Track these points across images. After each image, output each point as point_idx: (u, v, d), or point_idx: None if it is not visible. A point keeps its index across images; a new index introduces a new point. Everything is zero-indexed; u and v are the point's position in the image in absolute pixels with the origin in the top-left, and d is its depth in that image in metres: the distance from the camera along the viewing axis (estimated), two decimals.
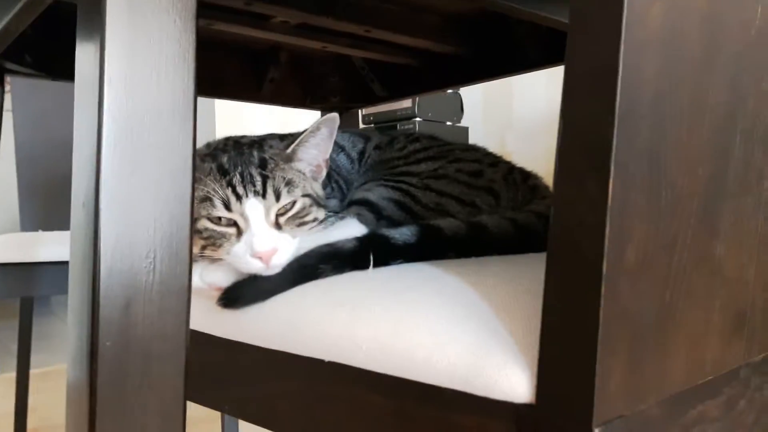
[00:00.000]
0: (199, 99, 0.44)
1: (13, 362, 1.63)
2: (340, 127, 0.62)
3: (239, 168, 0.56)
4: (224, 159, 0.57)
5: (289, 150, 0.60)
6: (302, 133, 0.60)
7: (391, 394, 0.42)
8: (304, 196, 0.58)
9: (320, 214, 0.59)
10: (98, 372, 0.35)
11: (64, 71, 0.89)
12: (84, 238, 0.38)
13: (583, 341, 0.32)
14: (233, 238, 0.54)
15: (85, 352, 0.36)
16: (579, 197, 0.33)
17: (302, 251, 0.54)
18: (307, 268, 0.53)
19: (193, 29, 0.40)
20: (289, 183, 0.57)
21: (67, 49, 0.43)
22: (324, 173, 0.63)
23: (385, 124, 2.79)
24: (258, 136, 0.67)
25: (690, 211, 0.37)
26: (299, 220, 0.57)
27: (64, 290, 1.34)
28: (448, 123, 2.84)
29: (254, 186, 0.55)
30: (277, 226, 0.56)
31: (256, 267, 0.52)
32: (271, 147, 0.60)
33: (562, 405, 0.34)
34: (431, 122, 2.75)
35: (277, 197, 0.56)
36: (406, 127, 2.71)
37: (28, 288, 1.35)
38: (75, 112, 0.41)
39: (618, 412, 0.34)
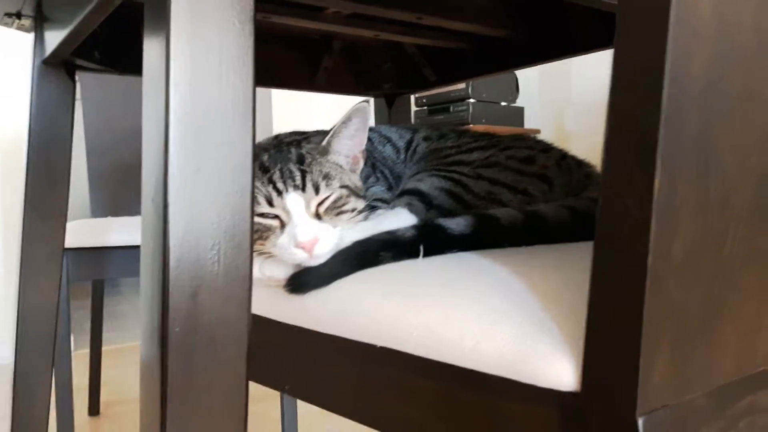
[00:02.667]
0: (257, 89, 0.46)
1: (87, 340, 1.73)
2: (387, 120, 0.64)
3: (279, 165, 0.59)
4: (265, 157, 0.60)
5: (324, 143, 0.62)
6: (335, 126, 0.62)
7: (440, 379, 0.44)
8: (342, 187, 0.60)
9: (359, 204, 0.61)
10: (168, 356, 0.38)
11: (131, 67, 0.94)
12: (154, 232, 0.40)
13: (627, 334, 0.33)
14: (277, 230, 0.57)
15: (156, 338, 0.39)
16: (626, 191, 0.33)
17: (347, 242, 0.56)
18: (369, 255, 0.55)
19: (251, 31, 0.42)
20: (326, 176, 0.59)
21: (133, 45, 0.46)
22: (361, 164, 0.65)
23: (439, 106, 2.79)
24: (302, 133, 0.69)
25: (742, 203, 0.37)
26: (338, 210, 0.59)
27: (132, 273, 1.41)
28: (503, 103, 2.81)
29: (294, 181, 0.58)
30: (318, 217, 0.58)
31: (300, 257, 0.55)
32: (309, 142, 0.63)
33: (606, 394, 0.35)
34: (485, 103, 2.73)
35: (316, 190, 0.58)
36: (460, 108, 2.70)
37: (99, 271, 1.42)
38: (143, 112, 0.44)
39: (662, 402, 0.35)
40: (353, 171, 0.64)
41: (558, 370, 0.37)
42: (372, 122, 1.26)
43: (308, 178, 0.58)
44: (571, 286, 0.43)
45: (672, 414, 0.36)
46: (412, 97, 2.85)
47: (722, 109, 0.35)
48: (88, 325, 1.73)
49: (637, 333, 0.33)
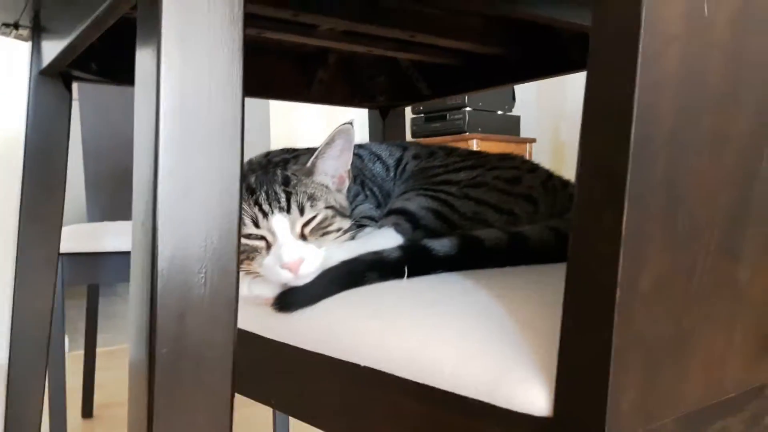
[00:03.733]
0: (255, 100, 0.47)
1: (81, 341, 1.73)
2: (382, 132, 0.65)
3: (264, 187, 0.60)
4: (252, 179, 0.61)
5: (308, 164, 0.63)
6: (320, 147, 0.63)
7: (422, 400, 0.45)
8: (327, 207, 0.61)
9: (344, 223, 0.62)
10: (155, 377, 0.39)
11: (128, 78, 0.95)
12: (143, 255, 0.42)
13: (597, 362, 0.34)
14: (264, 251, 0.58)
15: (144, 358, 0.40)
16: (595, 227, 0.34)
17: (334, 261, 0.57)
18: (355, 275, 0.56)
19: (241, 59, 0.43)
20: (311, 197, 0.61)
21: (131, 57, 0.47)
22: (347, 183, 0.66)
23: (435, 114, 2.80)
24: (293, 151, 0.70)
25: (709, 238, 0.39)
26: (323, 231, 0.60)
27: (127, 278, 1.41)
28: (500, 112, 2.83)
29: (279, 203, 0.59)
30: (303, 237, 0.59)
31: (286, 277, 0.56)
32: (296, 163, 0.64)
33: (576, 420, 0.36)
34: (482, 111, 2.74)
35: (301, 211, 0.60)
36: (456, 116, 2.71)
37: (94, 276, 1.43)
38: (135, 138, 0.45)
39: (631, 428, 0.36)
40: (339, 191, 0.65)
41: (532, 396, 0.38)
42: (366, 137, 1.27)
43: (293, 199, 0.60)
44: (548, 313, 0.44)
45: None
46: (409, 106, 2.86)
47: (690, 150, 0.36)
48: (82, 326, 1.74)
49: (606, 362, 0.34)
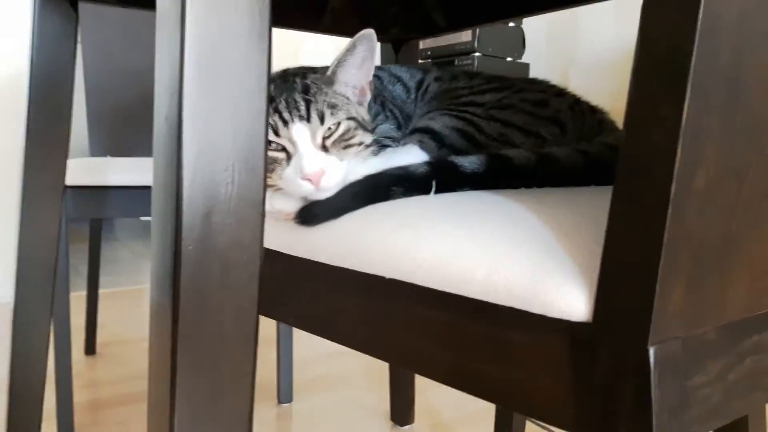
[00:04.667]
0: None
1: (83, 283, 1.74)
2: (394, 62, 0.62)
3: (284, 95, 0.58)
4: (270, 87, 0.59)
5: (329, 72, 0.61)
6: (340, 55, 0.60)
7: (449, 310, 0.44)
8: (349, 119, 0.59)
9: (366, 138, 0.60)
10: (181, 273, 0.38)
11: None
12: (166, 150, 0.40)
13: (646, 261, 0.33)
14: (284, 162, 0.57)
15: (169, 256, 0.39)
16: (652, 119, 0.33)
17: (358, 176, 0.55)
18: (380, 189, 0.55)
19: None
20: (332, 106, 0.58)
21: None
22: (369, 96, 0.63)
23: (444, 59, 2.75)
24: (310, 68, 0.67)
25: (765, 140, 0.37)
26: (345, 143, 0.58)
27: (130, 213, 1.40)
28: (509, 59, 2.77)
29: (299, 111, 0.57)
30: (324, 149, 0.57)
31: (307, 189, 0.55)
32: (315, 73, 0.61)
33: (619, 323, 0.35)
34: (491, 57, 2.69)
35: (321, 120, 0.57)
36: (465, 62, 2.66)
37: (97, 210, 1.41)
38: (157, 33, 0.43)
39: (674, 334, 0.35)
40: (360, 104, 0.63)
41: (569, 300, 0.37)
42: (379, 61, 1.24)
43: (313, 107, 0.57)
44: (584, 221, 0.43)
45: (682, 346, 0.36)
46: (418, 50, 2.80)
47: (756, 41, 0.34)
48: (84, 269, 1.74)
49: (656, 262, 0.33)
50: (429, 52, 2.80)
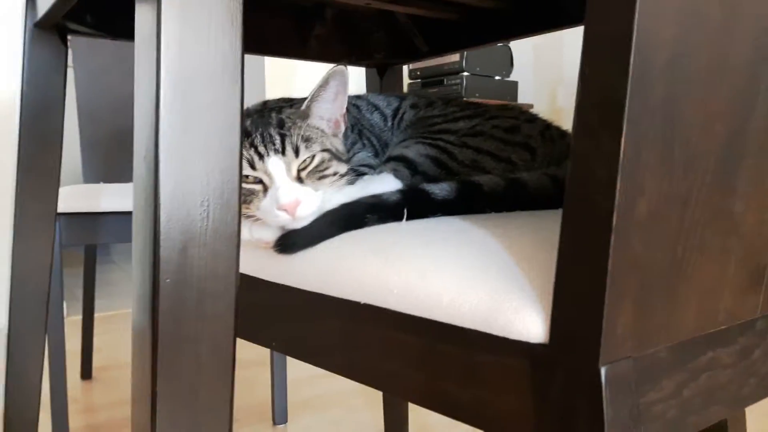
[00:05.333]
0: (249, 58, 0.47)
1: (79, 306, 1.75)
2: (378, 91, 0.65)
3: (260, 129, 0.61)
4: (247, 123, 0.61)
5: (303, 107, 0.63)
6: (314, 90, 0.63)
7: (420, 333, 0.46)
8: (323, 150, 0.62)
9: (341, 168, 0.63)
10: (159, 306, 0.40)
11: (123, 31, 0.94)
12: (146, 188, 0.42)
13: (592, 287, 0.35)
14: (260, 194, 0.59)
15: (148, 289, 0.41)
16: (593, 152, 0.35)
17: (334, 204, 0.57)
18: (355, 217, 0.57)
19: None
20: (307, 139, 0.61)
21: (126, 9, 0.47)
22: (343, 128, 0.66)
23: (432, 79, 2.79)
24: (289, 100, 0.70)
25: (705, 168, 0.39)
26: (319, 174, 0.61)
27: (123, 239, 1.42)
28: (497, 77, 2.81)
29: (274, 144, 0.59)
30: (299, 180, 0.60)
31: (284, 219, 0.57)
32: (291, 107, 0.64)
33: (572, 344, 0.37)
34: (479, 77, 2.73)
35: (296, 153, 0.60)
36: (454, 81, 2.70)
37: (91, 236, 1.43)
38: (135, 74, 0.45)
39: (625, 354, 0.37)
40: (335, 135, 0.66)
41: (528, 323, 0.39)
42: (363, 90, 1.27)
43: (288, 141, 0.60)
44: (544, 247, 0.45)
45: (634, 365, 0.38)
46: (406, 70, 2.84)
47: (687, 79, 0.36)
48: (79, 293, 1.75)
49: (602, 287, 0.35)
50: (418, 72, 2.84)
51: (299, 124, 0.62)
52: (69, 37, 0.95)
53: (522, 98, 2.91)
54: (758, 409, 0.85)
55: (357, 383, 1.62)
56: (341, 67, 0.61)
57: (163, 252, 0.40)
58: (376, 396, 1.50)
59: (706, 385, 0.44)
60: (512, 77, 2.87)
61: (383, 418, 1.39)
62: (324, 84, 0.62)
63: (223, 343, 0.42)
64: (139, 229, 0.43)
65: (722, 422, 0.74)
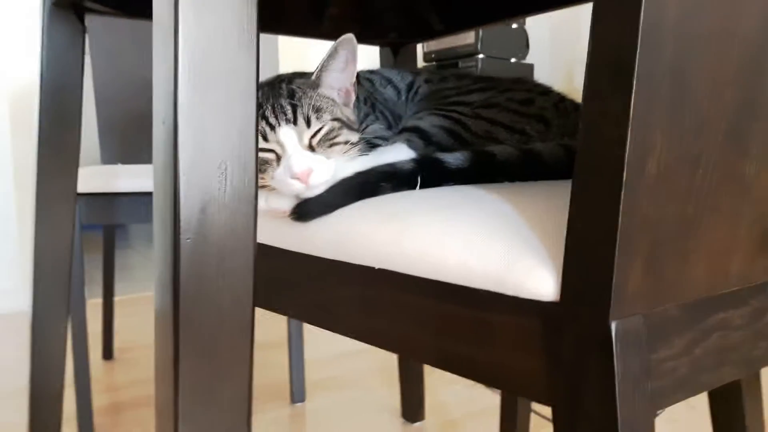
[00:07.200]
0: (263, 37, 0.48)
1: (99, 290, 1.78)
2: (393, 66, 0.65)
3: (271, 100, 0.61)
4: (258, 95, 0.62)
5: (313, 77, 0.64)
6: (323, 60, 0.63)
7: (434, 296, 0.47)
8: (334, 119, 0.62)
9: (352, 137, 0.63)
10: (180, 263, 0.41)
11: (140, 9, 0.95)
12: (165, 152, 0.43)
13: (603, 244, 0.36)
14: (274, 163, 0.60)
15: (169, 249, 0.42)
16: (603, 112, 0.35)
17: (348, 173, 0.58)
18: (369, 185, 0.58)
19: None
20: (317, 109, 0.62)
21: None
22: (353, 97, 0.67)
23: (447, 62, 2.77)
24: (303, 73, 0.71)
25: (716, 131, 0.39)
26: (330, 142, 0.61)
27: (141, 219, 1.44)
28: (513, 59, 2.79)
29: (285, 115, 0.60)
30: (311, 148, 0.61)
31: (297, 187, 0.58)
32: (302, 77, 0.65)
33: (582, 301, 0.38)
34: (495, 59, 2.71)
35: (308, 123, 0.61)
36: (469, 64, 2.68)
37: (110, 216, 1.45)
38: (153, 44, 0.46)
39: (635, 310, 0.38)
40: (346, 104, 0.66)
41: (539, 281, 0.40)
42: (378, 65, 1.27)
43: (299, 111, 0.61)
44: (557, 212, 0.46)
45: (645, 321, 0.39)
46: (421, 51, 2.83)
47: (697, 42, 0.37)
48: (99, 277, 1.77)
49: (612, 244, 0.36)
50: (433, 55, 2.83)
51: (310, 94, 0.63)
52: (86, 16, 0.96)
53: (537, 80, 2.89)
54: None
55: (374, 363, 1.63)
56: (350, 35, 0.62)
57: (183, 212, 0.41)
58: (392, 375, 1.51)
59: (717, 345, 0.44)
60: (528, 60, 2.84)
61: (400, 397, 1.40)
62: (333, 53, 0.63)
63: (243, 297, 0.44)
64: (159, 192, 0.44)
65: (736, 384, 0.74)
